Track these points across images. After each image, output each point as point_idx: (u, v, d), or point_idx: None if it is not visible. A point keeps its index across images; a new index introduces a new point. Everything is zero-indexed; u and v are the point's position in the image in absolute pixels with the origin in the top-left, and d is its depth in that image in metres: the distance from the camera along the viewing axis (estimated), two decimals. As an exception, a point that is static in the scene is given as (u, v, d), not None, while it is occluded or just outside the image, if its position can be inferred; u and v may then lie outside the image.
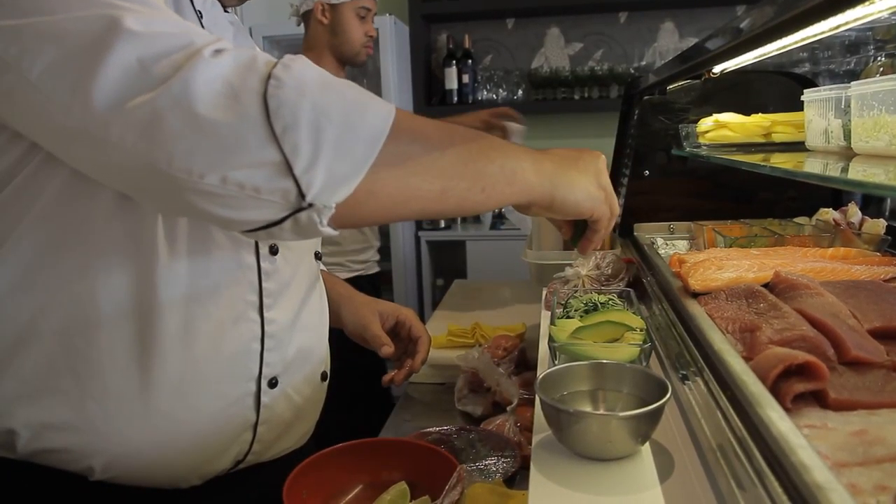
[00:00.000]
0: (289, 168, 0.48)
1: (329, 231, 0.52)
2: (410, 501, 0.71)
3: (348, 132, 0.49)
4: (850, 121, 0.83)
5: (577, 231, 0.72)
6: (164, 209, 0.60)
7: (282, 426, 0.75)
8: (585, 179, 0.65)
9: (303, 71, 0.50)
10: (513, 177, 0.59)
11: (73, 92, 0.47)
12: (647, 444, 0.62)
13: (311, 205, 0.49)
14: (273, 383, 0.72)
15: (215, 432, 0.68)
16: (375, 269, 1.96)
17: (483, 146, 0.59)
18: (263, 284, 0.70)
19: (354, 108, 0.50)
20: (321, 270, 0.93)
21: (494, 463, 0.83)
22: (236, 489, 0.74)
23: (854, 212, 1.10)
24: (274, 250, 0.72)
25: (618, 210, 0.70)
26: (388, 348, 0.95)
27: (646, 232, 1.29)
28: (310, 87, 0.49)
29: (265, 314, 0.70)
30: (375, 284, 1.98)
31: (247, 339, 0.69)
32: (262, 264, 0.70)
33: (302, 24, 1.86)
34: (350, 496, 0.73)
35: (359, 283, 1.83)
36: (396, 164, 0.53)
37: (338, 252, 1.82)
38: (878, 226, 1.04)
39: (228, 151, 0.47)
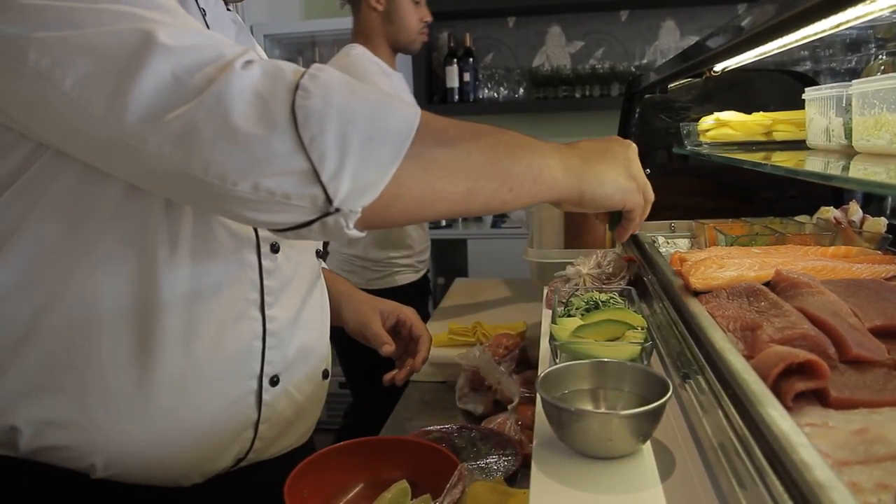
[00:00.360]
0: (316, 176, 0.50)
1: (356, 233, 0.54)
2: (411, 500, 0.71)
3: (374, 138, 0.51)
4: (851, 119, 0.83)
5: (614, 218, 0.71)
6: (198, 209, 0.63)
7: (283, 424, 0.75)
8: (614, 171, 0.65)
9: (329, 80, 0.51)
10: (540, 175, 0.60)
11: (110, 105, 0.49)
12: (649, 442, 0.62)
13: (338, 209, 0.51)
14: (274, 381, 0.72)
15: (217, 430, 0.68)
16: (428, 266, 1.97)
17: (509, 145, 0.59)
18: (265, 282, 0.70)
19: (380, 113, 0.52)
20: (322, 268, 0.93)
21: (495, 461, 0.83)
22: (238, 487, 0.74)
23: (855, 210, 1.10)
24: (275, 248, 0.72)
25: (652, 197, 0.69)
26: (388, 347, 0.95)
27: (647, 230, 1.29)
28: (336, 95, 0.50)
29: (266, 312, 0.71)
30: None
31: (248, 338, 0.69)
32: (264, 262, 0.70)
33: (348, 9, 1.79)
34: (351, 495, 0.73)
35: (420, 284, 1.84)
36: (422, 166, 0.54)
37: (411, 254, 1.80)
38: (879, 224, 1.04)
39: (260, 160, 0.49)
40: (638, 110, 1.51)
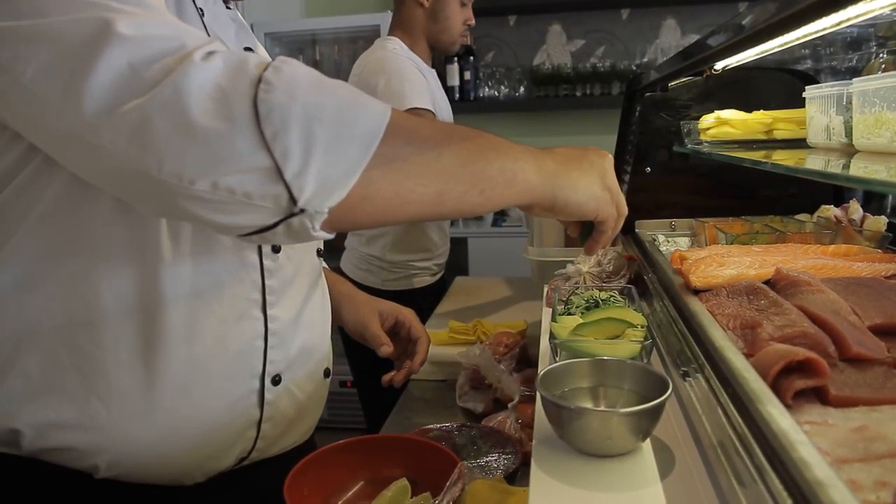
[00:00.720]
0: (279, 174, 0.47)
1: (323, 235, 0.52)
2: (411, 498, 0.71)
3: (341, 136, 0.49)
4: (851, 117, 0.83)
5: (585, 230, 0.70)
6: (158, 213, 0.60)
7: (285, 423, 0.75)
8: (589, 180, 0.63)
9: (294, 73, 0.49)
10: (513, 178, 0.58)
11: (65, 96, 0.47)
12: (648, 440, 0.62)
13: (302, 210, 0.49)
14: (276, 380, 0.72)
15: (219, 429, 0.68)
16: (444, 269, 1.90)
17: (483, 146, 0.58)
18: (266, 282, 0.70)
19: (347, 110, 0.50)
20: (324, 268, 0.93)
21: (495, 460, 0.83)
22: (239, 486, 0.74)
23: (855, 209, 1.10)
24: (276, 248, 0.72)
25: (626, 210, 0.68)
26: (387, 348, 0.95)
27: (647, 229, 1.29)
28: (301, 89, 0.48)
29: (268, 312, 0.71)
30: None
31: (250, 337, 0.69)
32: (265, 262, 0.70)
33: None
34: (351, 493, 0.73)
35: (436, 287, 1.77)
36: (391, 167, 0.52)
37: (430, 258, 1.75)
38: (880, 223, 1.04)
39: (218, 157, 0.47)
40: (638, 109, 1.50)
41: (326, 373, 0.83)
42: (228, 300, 0.67)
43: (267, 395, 0.71)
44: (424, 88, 1.59)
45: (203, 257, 0.65)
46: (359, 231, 1.70)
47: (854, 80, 0.82)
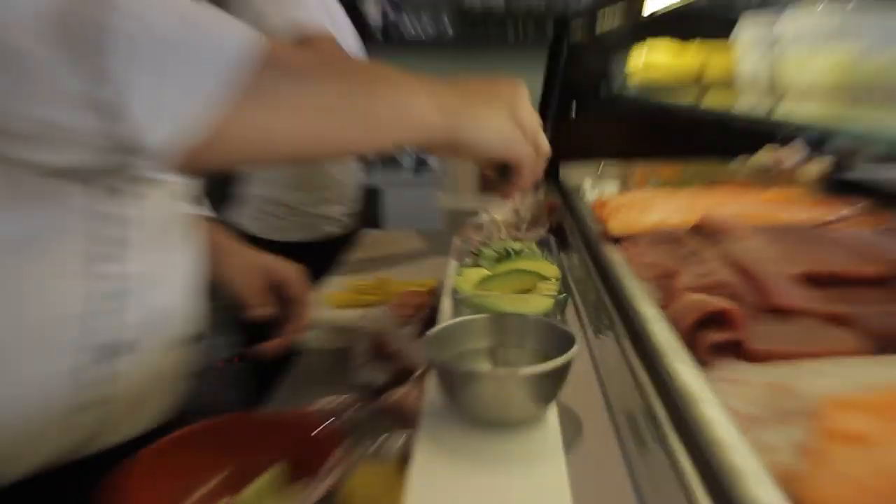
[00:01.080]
0: (110, 105, 0.44)
1: (169, 177, 0.50)
2: (290, 485, 0.66)
3: (190, 65, 0.45)
4: (779, 58, 0.82)
5: (503, 172, 0.66)
6: None
7: (131, 403, 0.68)
8: (496, 116, 0.60)
9: None
10: (405, 114, 0.56)
11: None
12: (554, 406, 0.59)
13: (140, 148, 0.45)
14: (115, 352, 0.65)
15: (38, 415, 0.61)
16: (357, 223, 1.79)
17: (371, 80, 0.55)
18: (103, 233, 0.63)
19: (203, 37, 0.46)
20: (205, 217, 0.85)
21: (392, 440, 0.79)
22: (78, 480, 0.67)
23: (793, 154, 1.11)
24: (117, 193, 0.64)
25: (547, 149, 0.65)
26: (257, 309, 0.88)
27: (574, 174, 1.27)
28: (148, 11, 0.45)
29: (105, 269, 0.63)
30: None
31: (81, 301, 0.62)
32: (101, 209, 0.62)
33: None
34: (212, 486, 0.66)
35: (348, 241, 1.67)
36: (258, 101, 0.49)
37: (333, 199, 1.62)
38: (818, 168, 1.05)
39: (32, 83, 0.43)
40: (567, 50, 1.47)
41: (190, 340, 0.76)
42: (52, 257, 0.60)
43: (102, 371, 0.64)
44: (318, 5, 1.48)
45: (16, 204, 0.57)
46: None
47: (781, 19, 0.81)
